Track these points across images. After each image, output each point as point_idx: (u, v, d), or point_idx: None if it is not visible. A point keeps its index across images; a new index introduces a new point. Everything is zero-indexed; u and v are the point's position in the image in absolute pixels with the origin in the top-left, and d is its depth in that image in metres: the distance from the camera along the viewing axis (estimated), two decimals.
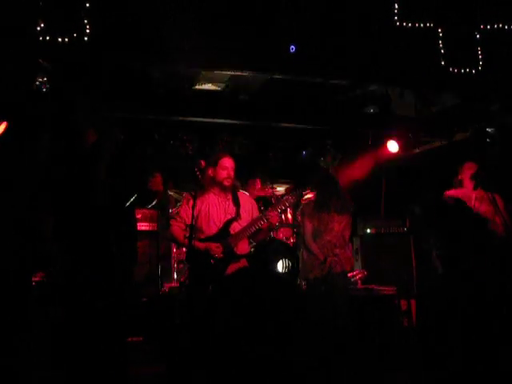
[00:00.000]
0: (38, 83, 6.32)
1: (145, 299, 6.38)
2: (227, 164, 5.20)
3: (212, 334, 1.65)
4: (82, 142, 4.23)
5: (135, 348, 5.77)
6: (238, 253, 5.15)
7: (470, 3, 5.83)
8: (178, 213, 5.38)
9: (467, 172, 5.90)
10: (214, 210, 5.17)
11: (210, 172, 5.24)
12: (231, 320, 1.68)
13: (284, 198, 5.65)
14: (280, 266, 7.18)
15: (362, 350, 5.64)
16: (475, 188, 5.83)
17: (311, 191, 6.17)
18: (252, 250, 7.30)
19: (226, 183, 5.18)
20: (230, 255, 5.07)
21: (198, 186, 5.08)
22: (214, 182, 5.22)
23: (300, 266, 6.19)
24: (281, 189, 8.10)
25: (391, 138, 8.03)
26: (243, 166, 8.88)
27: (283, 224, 7.83)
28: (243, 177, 8.58)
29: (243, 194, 5.52)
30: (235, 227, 5.19)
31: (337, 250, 5.78)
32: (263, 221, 5.22)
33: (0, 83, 5.93)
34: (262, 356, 1.66)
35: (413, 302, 7.19)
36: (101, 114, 4.52)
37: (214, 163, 5.24)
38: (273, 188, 7.91)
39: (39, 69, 6.24)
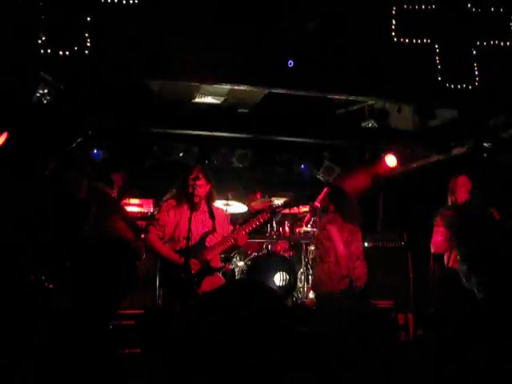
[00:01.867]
0: (38, 95, 6.38)
1: (142, 311, 6.38)
2: (193, 181, 5.24)
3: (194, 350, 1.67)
4: (76, 193, 4.38)
5: (133, 360, 5.77)
6: (214, 266, 5.27)
7: (466, 20, 5.89)
8: (157, 220, 5.36)
9: (460, 189, 5.92)
10: (185, 222, 5.08)
11: (184, 186, 5.33)
12: (214, 337, 1.70)
13: (254, 218, 5.66)
14: (277, 279, 7.20)
15: (360, 364, 5.64)
16: (470, 204, 5.85)
17: (298, 205, 6.21)
18: (243, 263, 7.35)
19: (194, 200, 5.24)
20: (206, 269, 5.17)
21: (181, 196, 5.23)
22: (186, 196, 5.29)
23: (312, 279, 6.10)
24: (279, 202, 8.11)
25: (389, 152, 8.08)
26: (242, 179, 8.99)
27: (281, 237, 7.86)
28: (242, 190, 8.64)
29: (217, 208, 5.60)
30: (211, 240, 5.30)
31: (357, 263, 5.78)
32: (231, 241, 5.31)
33: (1, 96, 5.99)
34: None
35: (410, 316, 7.20)
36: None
37: (185, 180, 5.35)
38: (271, 201, 7.94)
39: (40, 81, 6.31)
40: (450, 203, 6.08)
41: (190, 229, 4.89)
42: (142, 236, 5.25)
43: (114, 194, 6.49)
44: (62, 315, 3.94)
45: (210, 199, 5.45)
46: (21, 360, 3.86)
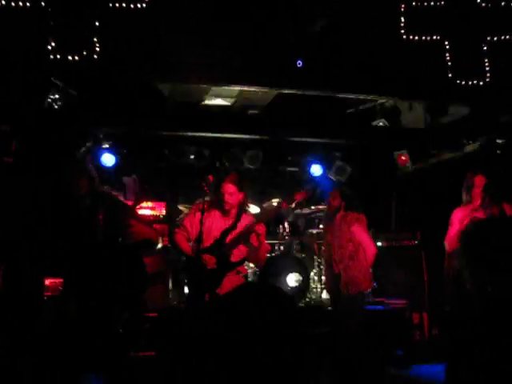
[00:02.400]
0: (49, 100, 6.42)
1: (156, 314, 6.39)
2: (226, 189, 5.30)
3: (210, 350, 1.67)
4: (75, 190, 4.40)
5: (147, 363, 5.78)
6: (234, 261, 5.28)
7: (476, 15, 5.84)
8: (182, 222, 5.51)
9: (477, 187, 5.84)
10: (215, 227, 5.28)
11: (216, 194, 5.39)
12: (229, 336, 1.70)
13: (264, 209, 5.71)
14: (290, 280, 7.19)
15: (373, 363, 5.61)
16: (482, 204, 5.78)
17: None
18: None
19: (226, 207, 5.31)
20: (225, 264, 5.21)
21: (205, 200, 5.17)
22: (217, 203, 5.36)
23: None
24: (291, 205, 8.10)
25: (401, 150, 8.04)
26: (253, 180, 8.98)
27: (293, 237, 7.83)
28: (254, 191, 8.63)
29: (246, 215, 5.56)
30: (229, 237, 5.31)
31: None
32: (251, 232, 5.29)
33: (12, 101, 6.04)
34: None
35: (425, 315, 7.15)
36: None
37: (217, 186, 5.39)
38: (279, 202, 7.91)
39: (51, 86, 6.35)
40: (464, 202, 6.01)
41: (201, 230, 4.95)
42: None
43: (129, 197, 6.51)
44: (72, 320, 3.95)
45: (242, 207, 5.47)
46: (28, 363, 3.87)
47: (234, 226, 5.35)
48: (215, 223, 5.37)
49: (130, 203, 5.81)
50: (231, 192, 5.31)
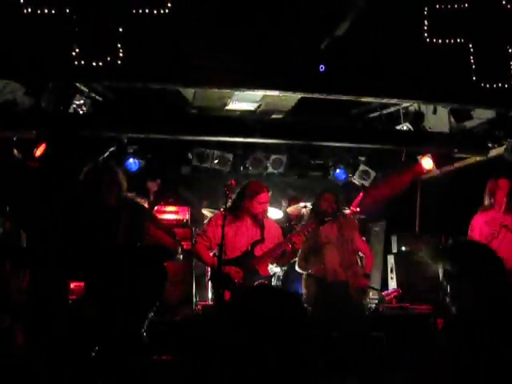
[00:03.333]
0: (75, 106, 6.51)
1: (178, 318, 6.41)
2: (264, 199, 5.35)
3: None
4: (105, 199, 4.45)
5: (167, 367, 5.79)
6: (262, 274, 5.28)
7: (500, 17, 5.76)
8: (204, 231, 5.50)
9: (501, 192, 5.77)
10: (240, 235, 5.32)
11: (247, 203, 5.35)
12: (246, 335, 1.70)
13: (308, 222, 5.73)
14: None
15: (396, 369, 5.56)
16: (507, 211, 5.72)
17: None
18: (279, 269, 7.31)
19: (261, 216, 5.37)
20: (254, 277, 5.19)
21: (227, 205, 5.13)
22: (247, 212, 5.36)
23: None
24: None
25: (425, 154, 7.97)
26: (277, 184, 8.99)
27: None
28: (277, 195, 8.63)
29: (268, 220, 5.64)
30: (259, 250, 5.33)
31: None
32: (288, 244, 5.35)
33: (38, 107, 6.14)
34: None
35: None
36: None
37: (251, 196, 5.35)
38: (306, 207, 7.90)
39: (76, 92, 6.44)
40: (487, 205, 5.95)
41: (223, 236, 4.89)
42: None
43: (149, 201, 6.56)
44: (92, 324, 3.99)
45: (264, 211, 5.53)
46: (53, 367, 3.92)
47: (262, 239, 5.36)
48: (240, 233, 5.36)
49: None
50: (267, 201, 5.39)
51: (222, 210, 5.44)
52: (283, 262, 5.80)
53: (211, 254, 5.41)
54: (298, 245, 5.38)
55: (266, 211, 5.42)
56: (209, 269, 5.84)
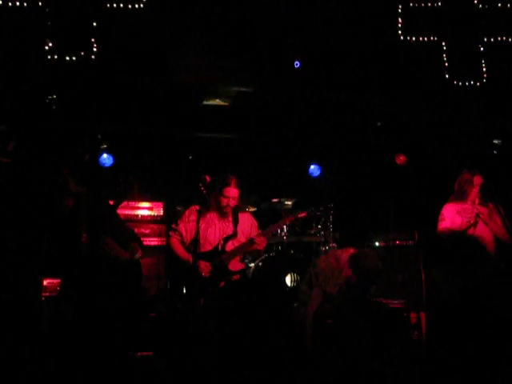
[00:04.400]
0: (47, 101, 6.43)
1: (153, 314, 6.38)
2: (229, 194, 5.34)
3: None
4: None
5: (145, 363, 5.78)
6: (231, 269, 5.35)
7: (473, 16, 5.85)
8: (176, 226, 5.55)
9: (475, 189, 5.85)
10: (211, 230, 5.37)
11: (215, 196, 5.38)
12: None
13: (274, 224, 5.81)
14: (288, 280, 7.19)
15: (371, 364, 5.62)
16: (481, 203, 5.81)
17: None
18: (253, 264, 7.34)
19: (225, 211, 5.38)
20: (222, 271, 5.27)
21: (201, 201, 5.17)
22: (217, 206, 5.40)
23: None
24: (289, 203, 8.10)
25: (399, 150, 8.04)
26: (251, 180, 8.98)
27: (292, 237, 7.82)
28: (251, 191, 8.63)
29: (244, 215, 5.66)
30: (231, 245, 5.39)
31: None
32: (251, 245, 5.38)
33: (11, 102, 6.05)
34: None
35: (422, 314, 7.14)
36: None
37: (219, 190, 5.38)
38: (281, 203, 7.93)
39: (49, 87, 6.35)
40: (458, 196, 6.02)
41: (198, 231, 4.95)
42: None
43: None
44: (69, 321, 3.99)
45: (237, 209, 5.54)
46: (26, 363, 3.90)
47: (234, 234, 5.41)
48: (212, 227, 5.41)
49: (111, 202, 5.84)
50: (235, 196, 5.37)
51: (194, 205, 5.51)
52: (255, 256, 5.86)
53: (184, 249, 5.46)
54: (261, 246, 5.41)
55: (230, 206, 5.37)
56: None
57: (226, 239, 5.41)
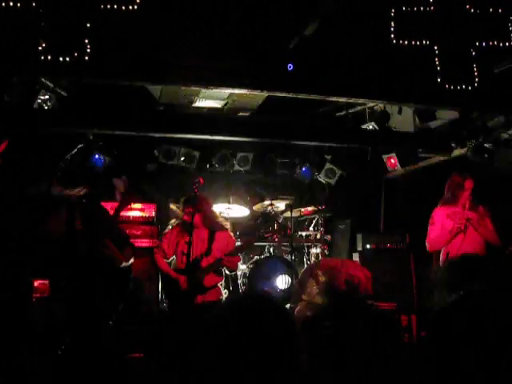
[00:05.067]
0: (39, 101, 6.40)
1: (146, 316, 6.38)
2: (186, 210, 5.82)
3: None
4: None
5: (136, 364, 5.77)
6: (206, 285, 5.76)
7: (465, 21, 5.89)
8: (160, 243, 6.11)
9: (465, 193, 5.87)
10: (191, 246, 5.61)
11: (186, 217, 5.87)
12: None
13: (243, 243, 6.43)
14: (280, 283, 7.20)
15: (361, 366, 5.62)
16: (472, 207, 5.84)
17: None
18: (245, 266, 7.38)
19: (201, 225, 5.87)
20: (198, 288, 5.67)
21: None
22: (192, 224, 5.71)
23: None
24: (280, 205, 8.12)
25: (390, 153, 8.09)
26: (243, 182, 9.01)
27: (283, 239, 7.84)
28: (243, 193, 8.65)
29: (221, 233, 6.04)
30: (205, 262, 5.80)
31: None
32: (221, 263, 5.85)
33: (1, 102, 6.02)
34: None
35: (413, 317, 7.18)
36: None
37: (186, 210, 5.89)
38: (272, 205, 7.95)
39: (41, 87, 6.33)
40: (448, 199, 6.05)
41: (186, 251, 5.48)
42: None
43: (118, 199, 6.56)
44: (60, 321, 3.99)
45: (206, 223, 5.97)
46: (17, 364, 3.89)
47: (208, 251, 5.83)
48: (184, 240, 5.72)
49: (115, 206, 5.89)
50: (205, 212, 5.89)
51: (172, 223, 6.34)
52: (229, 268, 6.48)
53: (166, 262, 6.00)
54: (233, 264, 6.05)
55: (196, 222, 5.72)
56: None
57: (201, 256, 5.81)
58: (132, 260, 5.18)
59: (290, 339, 1.75)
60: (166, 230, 6.39)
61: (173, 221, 6.47)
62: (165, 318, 6.39)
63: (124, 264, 4.89)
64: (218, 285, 6.15)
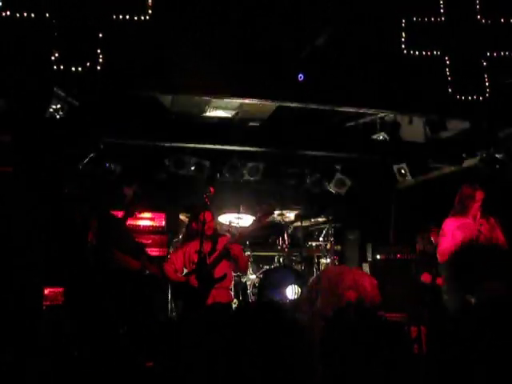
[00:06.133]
0: (51, 110, 6.44)
1: (155, 324, 6.38)
2: (208, 217, 5.91)
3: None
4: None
5: (147, 373, 5.78)
6: (216, 276, 5.91)
7: (476, 31, 5.88)
8: (169, 257, 6.34)
9: (476, 204, 5.84)
10: (196, 254, 5.78)
11: (194, 225, 6.09)
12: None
13: (240, 230, 6.62)
14: (289, 292, 7.19)
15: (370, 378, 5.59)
16: (483, 218, 5.80)
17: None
18: (255, 276, 7.39)
19: (209, 232, 5.98)
20: (209, 281, 5.84)
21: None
22: (197, 232, 5.89)
23: None
24: (290, 215, 8.11)
25: (401, 164, 8.06)
26: (253, 192, 9.01)
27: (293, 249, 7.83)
28: (253, 202, 8.64)
29: (224, 237, 6.28)
30: (210, 259, 5.96)
31: None
32: (228, 252, 5.93)
33: (14, 111, 6.07)
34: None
35: (423, 328, 7.14)
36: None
37: (195, 218, 6.06)
38: (283, 214, 7.94)
39: (54, 97, 6.37)
40: (459, 211, 6.02)
41: (200, 255, 5.68)
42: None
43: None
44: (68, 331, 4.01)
45: (214, 234, 6.19)
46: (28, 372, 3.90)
47: (213, 249, 5.99)
48: (196, 249, 5.85)
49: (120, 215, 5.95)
50: (210, 219, 5.98)
51: (176, 241, 6.68)
52: (237, 269, 6.36)
53: (179, 274, 6.08)
54: (235, 251, 5.98)
55: (211, 228, 6.01)
56: None
57: (207, 255, 5.93)
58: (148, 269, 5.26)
59: (299, 348, 1.75)
60: (177, 244, 6.67)
61: (181, 235, 6.59)
62: (176, 325, 6.40)
63: (142, 269, 4.94)
64: (229, 289, 6.26)
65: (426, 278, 6.66)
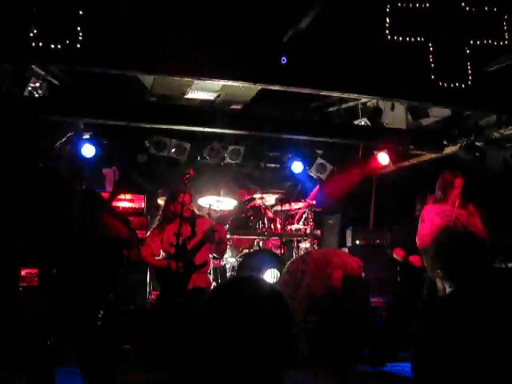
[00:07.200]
0: (30, 89, 6.34)
1: (132, 307, 6.36)
2: (187, 199, 5.79)
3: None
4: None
5: (123, 356, 5.76)
6: (197, 263, 5.81)
7: (460, 19, 5.88)
8: (146, 241, 6.10)
9: (455, 190, 5.87)
10: (174, 237, 5.65)
11: (171, 207, 5.94)
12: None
13: (226, 212, 6.53)
14: (268, 276, 7.18)
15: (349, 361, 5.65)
16: (462, 205, 5.84)
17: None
18: (234, 259, 7.38)
19: (187, 214, 5.81)
20: (190, 267, 5.74)
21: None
22: (175, 214, 5.82)
23: None
24: (271, 198, 8.10)
25: (381, 150, 8.08)
26: (234, 175, 8.99)
27: (272, 234, 7.83)
28: (234, 185, 8.62)
29: (202, 219, 6.16)
30: (191, 244, 5.83)
31: None
32: (213, 233, 5.82)
33: None
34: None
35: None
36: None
37: (172, 200, 5.95)
38: (262, 198, 7.92)
39: (32, 74, 6.27)
40: (438, 197, 6.04)
41: (175, 242, 5.54)
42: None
43: (108, 189, 6.53)
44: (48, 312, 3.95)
45: (192, 216, 6.00)
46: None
47: (193, 233, 5.86)
48: (169, 232, 5.83)
49: (106, 196, 5.84)
50: (188, 202, 5.83)
51: (156, 224, 6.20)
52: (217, 251, 6.21)
53: (157, 258, 5.94)
54: (220, 233, 5.93)
55: (188, 210, 5.82)
56: None
57: (186, 239, 5.80)
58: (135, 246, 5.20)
59: (284, 320, 1.72)
60: (151, 230, 6.34)
61: (157, 218, 6.38)
62: (154, 309, 6.36)
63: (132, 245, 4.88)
64: (207, 273, 6.14)
65: (398, 253, 6.64)
